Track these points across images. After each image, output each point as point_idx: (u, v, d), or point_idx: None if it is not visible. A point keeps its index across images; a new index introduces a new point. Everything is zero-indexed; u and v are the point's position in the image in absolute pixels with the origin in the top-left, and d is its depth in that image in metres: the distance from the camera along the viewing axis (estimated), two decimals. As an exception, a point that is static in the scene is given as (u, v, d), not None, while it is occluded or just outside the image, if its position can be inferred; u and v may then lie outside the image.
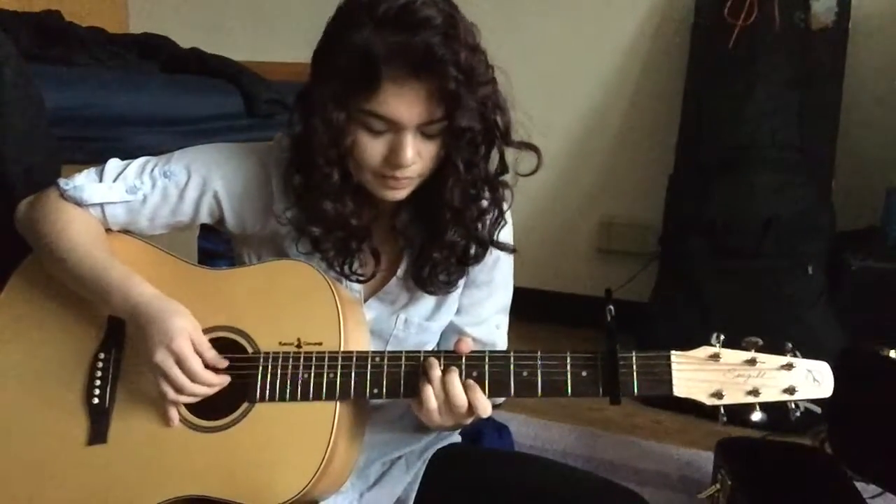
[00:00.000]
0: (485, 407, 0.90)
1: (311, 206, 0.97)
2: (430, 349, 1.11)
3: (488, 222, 1.01)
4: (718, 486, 1.52)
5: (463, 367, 0.91)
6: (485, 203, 1.00)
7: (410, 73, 0.86)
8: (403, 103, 0.87)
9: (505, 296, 1.13)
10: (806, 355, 0.87)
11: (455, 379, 0.90)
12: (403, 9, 0.85)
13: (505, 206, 1.02)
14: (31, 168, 1.35)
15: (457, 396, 0.89)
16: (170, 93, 2.02)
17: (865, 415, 1.38)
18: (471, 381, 0.90)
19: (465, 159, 0.94)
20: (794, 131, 2.25)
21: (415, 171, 0.93)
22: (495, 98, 0.93)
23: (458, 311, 1.11)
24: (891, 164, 2.32)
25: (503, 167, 0.99)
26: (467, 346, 0.92)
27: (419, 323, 1.08)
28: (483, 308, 1.11)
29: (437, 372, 0.90)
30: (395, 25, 0.85)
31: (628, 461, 1.90)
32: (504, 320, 1.16)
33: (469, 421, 0.93)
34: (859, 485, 1.43)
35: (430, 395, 0.90)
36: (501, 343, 1.15)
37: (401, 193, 0.95)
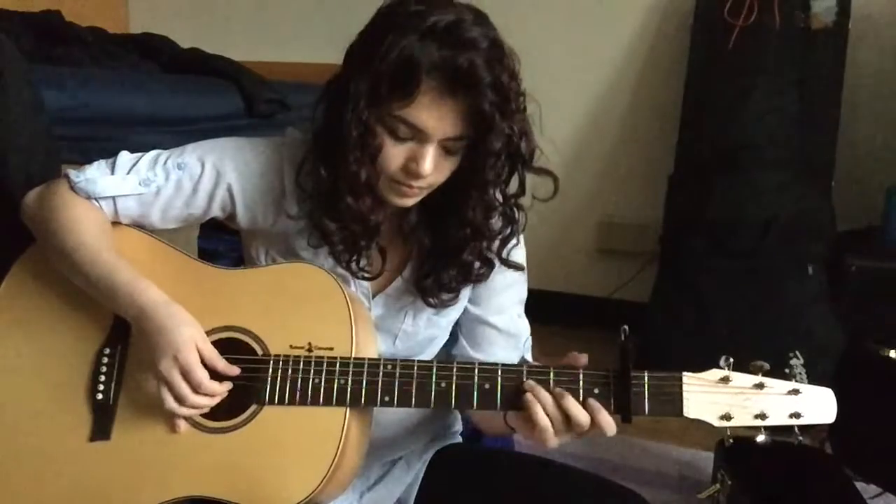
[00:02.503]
0: (609, 423, 0.87)
1: (332, 200, 0.96)
2: (439, 344, 1.13)
3: (500, 242, 1.02)
4: (718, 486, 1.52)
5: (475, 378, 0.91)
6: (500, 223, 1.01)
7: (449, 88, 0.86)
8: (435, 116, 0.88)
9: (522, 287, 1.13)
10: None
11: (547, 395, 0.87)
12: (453, 25, 0.86)
13: (518, 228, 1.03)
14: (31, 168, 1.35)
15: (580, 416, 0.87)
16: (170, 93, 2.02)
17: (866, 415, 1.38)
18: (594, 402, 0.88)
19: (490, 180, 0.95)
20: (794, 131, 2.25)
21: (428, 182, 0.94)
22: (524, 125, 0.94)
23: (478, 303, 1.10)
24: (891, 164, 2.32)
25: (521, 190, 1.00)
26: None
27: (428, 318, 1.08)
28: (503, 297, 1.10)
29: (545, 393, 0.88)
30: (443, 40, 0.85)
31: (628, 461, 1.90)
32: (522, 310, 1.15)
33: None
34: (859, 485, 1.43)
35: (542, 413, 0.88)
36: (525, 332, 1.14)
37: (410, 201, 0.96)
